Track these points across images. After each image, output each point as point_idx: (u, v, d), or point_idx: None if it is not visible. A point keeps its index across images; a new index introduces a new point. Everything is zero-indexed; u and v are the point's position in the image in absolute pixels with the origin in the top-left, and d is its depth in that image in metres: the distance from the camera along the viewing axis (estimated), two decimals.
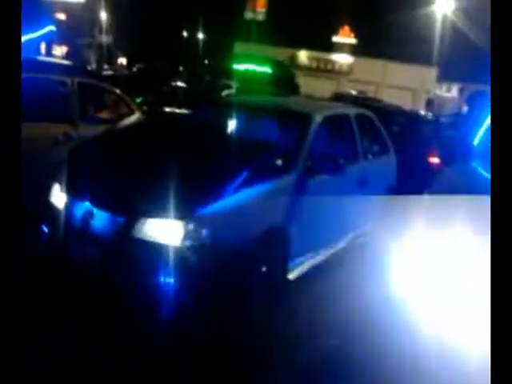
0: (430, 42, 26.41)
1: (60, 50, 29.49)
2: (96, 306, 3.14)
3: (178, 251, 2.83)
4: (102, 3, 37.27)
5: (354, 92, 23.04)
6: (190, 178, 3.16)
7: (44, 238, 3.40)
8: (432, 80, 32.20)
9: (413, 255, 4.60)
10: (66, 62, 14.08)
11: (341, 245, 4.38)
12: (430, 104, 24.61)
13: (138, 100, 7.77)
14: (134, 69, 24.63)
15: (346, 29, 33.60)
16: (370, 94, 25.00)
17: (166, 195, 2.91)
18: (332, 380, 2.89)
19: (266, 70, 17.02)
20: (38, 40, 21.89)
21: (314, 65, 33.60)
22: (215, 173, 3.29)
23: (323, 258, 4.08)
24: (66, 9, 33.34)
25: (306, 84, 26.82)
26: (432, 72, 31.77)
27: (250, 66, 17.29)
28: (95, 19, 38.21)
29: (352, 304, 3.67)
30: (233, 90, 15.07)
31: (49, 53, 25.54)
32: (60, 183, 3.45)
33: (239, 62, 18.17)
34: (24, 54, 3.58)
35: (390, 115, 7.87)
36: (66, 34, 31.16)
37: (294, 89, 16.81)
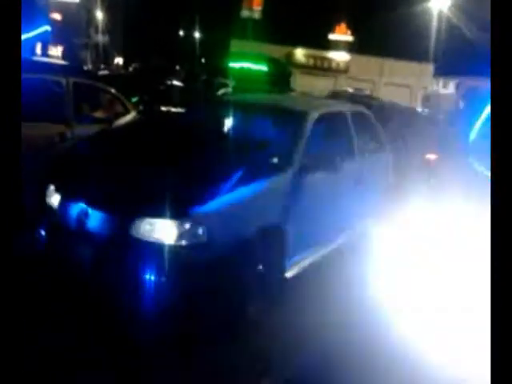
0: (426, 38, 26.40)
1: (56, 50, 29.42)
2: (95, 306, 3.13)
3: (174, 250, 2.82)
4: (98, 3, 37.21)
5: (351, 90, 23.01)
6: (186, 176, 3.16)
7: (40, 239, 3.38)
8: (429, 76, 32.20)
9: (411, 251, 4.60)
10: (60, 61, 14.05)
11: (338, 242, 4.38)
12: (426, 100, 24.62)
13: (134, 99, 7.74)
14: (131, 68, 24.62)
15: (343, 26, 33.55)
16: (368, 92, 25.01)
17: (162, 194, 2.90)
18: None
19: (262, 67, 17.00)
20: (32, 40, 21.84)
21: (311, 63, 33.57)
22: (211, 171, 3.28)
23: (320, 255, 4.07)
24: (61, 9, 33.25)
25: (302, 82, 26.83)
26: (429, 68, 31.79)
27: (246, 64, 17.26)
28: (91, 19, 38.16)
29: (350, 302, 3.67)
30: (229, 89, 15.06)
31: (45, 53, 25.48)
32: (55, 183, 3.44)
33: (235, 61, 18.14)
34: None
35: (387, 112, 7.87)
36: (61, 33, 31.12)
37: (289, 86, 16.81)
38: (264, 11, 32.96)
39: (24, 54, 9.67)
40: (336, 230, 4.34)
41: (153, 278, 2.80)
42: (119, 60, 42.04)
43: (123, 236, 2.89)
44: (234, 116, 4.56)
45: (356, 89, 24.96)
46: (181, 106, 7.46)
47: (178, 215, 2.84)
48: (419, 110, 16.97)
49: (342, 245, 4.44)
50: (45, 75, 5.05)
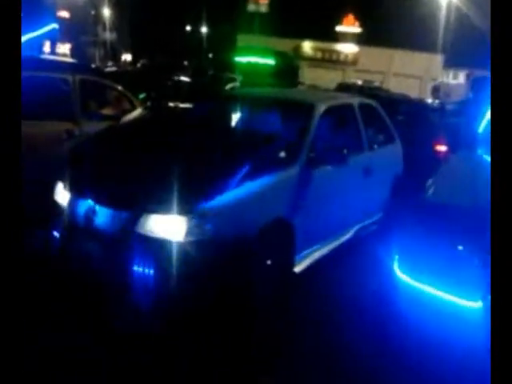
0: (435, 28, 26.15)
1: (64, 48, 29.53)
2: (96, 305, 3.11)
3: (182, 246, 2.81)
4: (105, 0, 37.32)
5: (359, 82, 22.88)
6: (193, 172, 3.14)
7: (51, 237, 3.39)
8: (438, 67, 31.89)
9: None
10: (67, 59, 14.09)
11: (348, 236, 4.35)
12: (436, 91, 24.42)
13: (142, 96, 7.74)
14: (139, 65, 24.67)
15: (350, 17, 33.28)
16: (377, 84, 24.84)
17: (169, 190, 2.89)
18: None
19: (269, 61, 16.91)
20: (40, 38, 21.94)
21: (319, 55, 33.44)
22: (218, 166, 3.26)
23: (329, 249, 4.04)
24: (68, 6, 33.35)
25: (311, 75, 26.73)
26: (438, 59, 31.48)
27: (253, 58, 17.18)
28: (98, 16, 38.27)
29: (358, 299, 3.64)
30: (237, 84, 15.02)
31: (53, 51, 25.59)
32: (63, 181, 3.45)
33: (242, 55, 18.07)
34: (26, 53, 3.54)
35: (396, 104, 7.81)
36: (69, 31, 31.22)
37: (297, 80, 16.73)
38: (270, 5, 32.86)
39: (32, 53, 9.72)
40: (345, 223, 4.31)
41: (159, 274, 2.80)
42: (127, 57, 42.13)
43: (131, 233, 2.89)
44: (241, 110, 4.54)
45: (365, 81, 24.83)
46: (188, 102, 7.44)
47: (186, 211, 2.83)
48: (429, 100, 16.82)
49: (352, 239, 4.41)
50: (52, 73, 5.09)
